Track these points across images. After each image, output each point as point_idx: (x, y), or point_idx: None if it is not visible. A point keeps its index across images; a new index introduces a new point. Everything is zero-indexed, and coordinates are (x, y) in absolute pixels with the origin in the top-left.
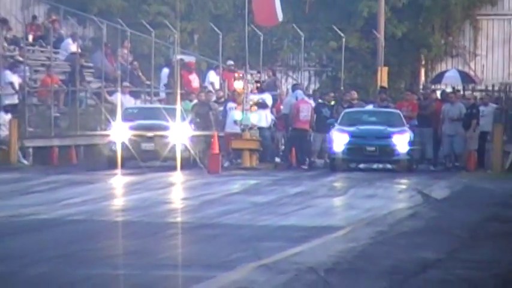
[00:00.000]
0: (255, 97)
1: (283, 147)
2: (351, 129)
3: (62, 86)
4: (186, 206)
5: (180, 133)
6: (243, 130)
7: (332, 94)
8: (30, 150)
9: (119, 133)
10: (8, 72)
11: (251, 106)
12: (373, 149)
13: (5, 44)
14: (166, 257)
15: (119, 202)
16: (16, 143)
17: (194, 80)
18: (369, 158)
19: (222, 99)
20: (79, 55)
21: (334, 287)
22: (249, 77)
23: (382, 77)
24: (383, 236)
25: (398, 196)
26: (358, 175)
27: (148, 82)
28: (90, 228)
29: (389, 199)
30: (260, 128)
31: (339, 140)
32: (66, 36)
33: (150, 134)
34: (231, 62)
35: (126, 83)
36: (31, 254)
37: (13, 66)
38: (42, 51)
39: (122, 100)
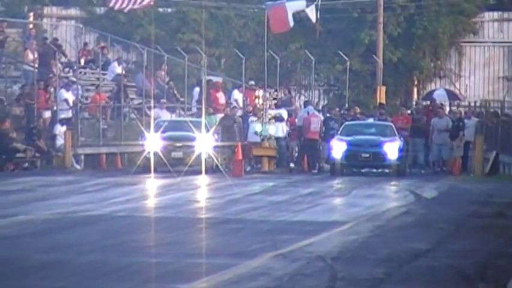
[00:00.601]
0: (273, 112)
1: (296, 154)
2: (349, 138)
3: (108, 102)
4: (213, 204)
5: (204, 143)
6: (262, 140)
7: (338, 109)
8: (82, 156)
9: (152, 143)
10: (63, 91)
11: (270, 119)
12: (367, 155)
13: (61, 67)
14: (196, 247)
15: (156, 201)
16: (70, 151)
17: (221, 97)
18: (363, 164)
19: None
20: (123, 76)
21: (339, 272)
22: (267, 94)
23: (381, 94)
24: (380, 229)
25: (394, 196)
26: (360, 178)
27: (182, 99)
28: (133, 222)
29: (386, 198)
30: (277, 138)
31: (338, 148)
32: (112, 60)
33: (178, 143)
34: (252, 82)
35: (163, 100)
36: (84, 244)
37: (67, 86)
38: (92, 73)
39: (159, 114)
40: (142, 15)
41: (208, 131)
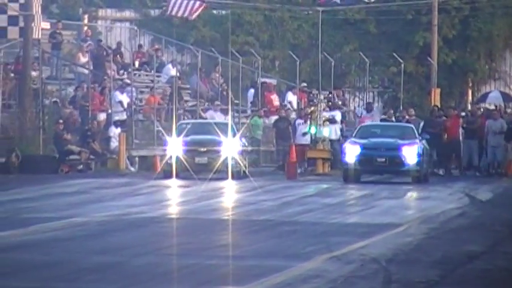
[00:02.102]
0: (327, 114)
1: None
2: (363, 141)
3: (163, 105)
4: (268, 207)
5: (231, 147)
6: (316, 142)
7: (392, 111)
8: (136, 158)
9: (174, 148)
10: (117, 93)
11: (324, 122)
12: (383, 160)
13: (116, 69)
14: (250, 249)
15: (210, 203)
16: (124, 153)
17: (275, 99)
18: (379, 169)
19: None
20: (178, 78)
21: (394, 274)
22: (321, 97)
23: (435, 97)
24: (435, 232)
25: (449, 198)
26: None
27: (236, 101)
28: (187, 225)
29: (441, 200)
30: (331, 140)
31: (351, 152)
32: (167, 62)
33: (203, 148)
34: (304, 84)
35: (217, 102)
36: (138, 247)
37: (122, 88)
38: (146, 75)
39: (213, 116)
40: (197, 18)
41: (235, 134)
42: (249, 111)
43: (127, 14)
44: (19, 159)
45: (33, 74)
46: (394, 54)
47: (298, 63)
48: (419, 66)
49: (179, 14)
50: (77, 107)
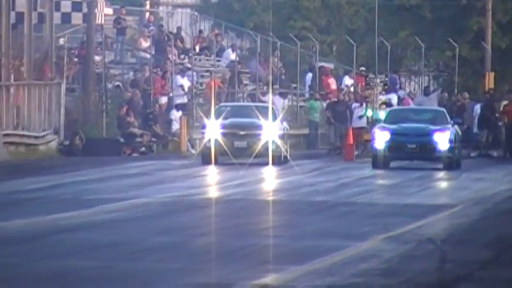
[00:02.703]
0: (383, 97)
1: None
2: (393, 127)
3: (223, 88)
4: (326, 188)
5: (272, 131)
6: (373, 125)
7: (446, 94)
8: (197, 141)
9: (213, 131)
10: (178, 77)
11: (380, 105)
12: (413, 146)
13: (177, 54)
14: (310, 229)
15: (269, 184)
16: (185, 136)
17: (332, 83)
18: (409, 155)
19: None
20: (237, 63)
21: (448, 254)
22: (378, 80)
23: (489, 80)
24: (489, 212)
25: (503, 179)
26: (469, 162)
27: (294, 85)
28: (246, 206)
29: (495, 181)
30: None
31: (381, 138)
32: (226, 47)
33: (242, 132)
34: (363, 68)
35: (276, 86)
36: (198, 227)
37: (183, 72)
38: (207, 60)
39: (273, 100)
40: (256, 3)
41: (276, 118)
42: (306, 95)
43: None
44: (83, 141)
45: (97, 58)
46: (449, 39)
47: (354, 47)
48: (473, 50)
49: None
50: (139, 90)
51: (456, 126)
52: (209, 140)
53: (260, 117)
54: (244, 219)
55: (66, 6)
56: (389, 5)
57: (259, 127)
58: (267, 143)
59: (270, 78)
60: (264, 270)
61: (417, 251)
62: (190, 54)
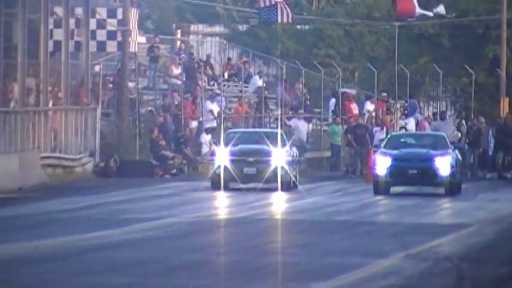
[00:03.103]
0: (402, 122)
1: None
2: (394, 152)
3: (250, 113)
4: (347, 208)
5: (280, 157)
6: None
7: (461, 119)
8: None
9: (222, 157)
10: (208, 102)
11: (400, 128)
12: (415, 171)
13: (206, 80)
14: (332, 248)
15: (293, 205)
16: None
17: (354, 108)
18: (411, 181)
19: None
20: (264, 89)
21: (465, 272)
22: (398, 105)
23: (504, 106)
24: (505, 231)
25: None
26: (485, 183)
27: (318, 110)
28: (271, 225)
29: (510, 202)
30: None
31: (382, 163)
32: (254, 73)
33: (251, 158)
34: (384, 94)
35: (300, 111)
36: (225, 246)
37: (212, 98)
38: (235, 86)
39: (297, 124)
40: (282, 31)
41: (285, 144)
42: (330, 119)
43: (217, 29)
44: (117, 163)
45: (130, 84)
46: (466, 66)
47: (376, 74)
48: (489, 77)
49: (282, 20)
50: (171, 114)
51: (457, 151)
52: (218, 166)
53: (269, 143)
54: (268, 238)
55: (101, 35)
56: (409, 34)
57: (268, 153)
58: (275, 169)
59: (293, 103)
60: None
61: (435, 268)
62: (219, 81)
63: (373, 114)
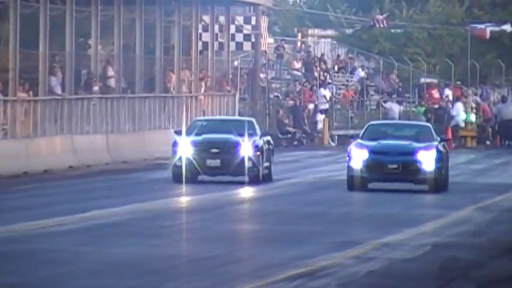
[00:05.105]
0: (474, 104)
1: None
2: (372, 144)
3: (355, 98)
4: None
5: (247, 148)
6: (466, 124)
7: None
8: (336, 136)
9: (184, 147)
10: (322, 89)
11: (471, 109)
12: (395, 166)
13: (321, 72)
14: (419, 202)
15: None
16: (327, 132)
17: (435, 93)
18: (390, 177)
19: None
20: (365, 79)
21: None
22: (470, 91)
23: None
24: None
25: None
26: None
27: (408, 95)
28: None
29: None
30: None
31: (358, 156)
32: (357, 66)
33: (215, 149)
34: (458, 82)
35: (394, 96)
36: (336, 200)
37: (325, 85)
38: (343, 76)
39: (391, 106)
40: (379, 34)
41: (255, 133)
42: (416, 102)
43: (329, 32)
44: None
45: (261, 75)
46: None
47: (452, 67)
48: None
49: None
50: (293, 99)
51: (443, 143)
52: (180, 158)
53: (237, 133)
54: (371, 194)
55: (239, 37)
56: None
57: (234, 144)
58: (243, 160)
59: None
60: (386, 232)
61: (499, 217)
62: (331, 72)
63: (450, 98)
